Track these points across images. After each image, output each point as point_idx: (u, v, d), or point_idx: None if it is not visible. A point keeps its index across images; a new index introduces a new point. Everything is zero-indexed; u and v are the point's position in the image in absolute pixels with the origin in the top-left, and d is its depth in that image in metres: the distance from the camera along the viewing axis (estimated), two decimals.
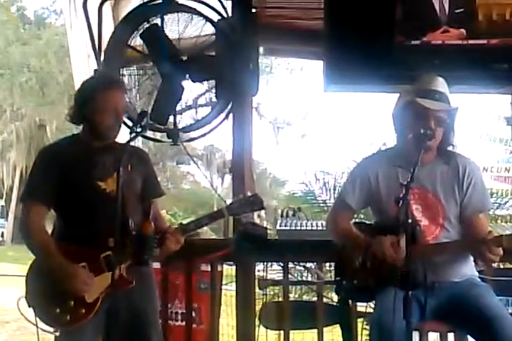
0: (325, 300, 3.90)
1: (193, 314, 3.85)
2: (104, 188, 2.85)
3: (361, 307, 3.58)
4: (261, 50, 4.44)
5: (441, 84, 2.97)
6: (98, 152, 2.91)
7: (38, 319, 2.81)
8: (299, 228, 4.12)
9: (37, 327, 2.82)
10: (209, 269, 3.85)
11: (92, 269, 2.79)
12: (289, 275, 3.93)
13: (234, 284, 3.92)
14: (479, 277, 3.05)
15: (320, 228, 4.04)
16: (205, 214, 3.03)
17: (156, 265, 3.35)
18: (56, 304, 2.76)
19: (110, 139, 2.95)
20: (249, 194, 3.06)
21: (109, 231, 2.63)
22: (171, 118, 3.93)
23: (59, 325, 2.81)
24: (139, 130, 2.76)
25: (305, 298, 5.71)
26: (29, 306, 2.82)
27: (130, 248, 2.78)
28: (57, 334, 2.84)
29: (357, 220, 3.37)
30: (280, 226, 4.16)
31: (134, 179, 2.94)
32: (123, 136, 2.96)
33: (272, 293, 4.32)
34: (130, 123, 2.93)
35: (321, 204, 6.95)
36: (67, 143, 3.03)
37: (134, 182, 2.95)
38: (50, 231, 2.92)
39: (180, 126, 3.99)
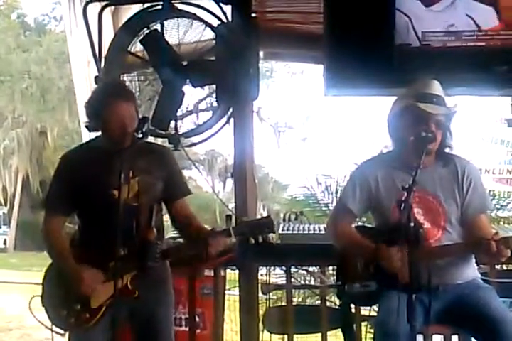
0: (328, 303, 3.90)
1: (197, 319, 3.85)
2: (117, 196, 2.79)
3: (365, 310, 3.57)
4: (261, 54, 4.44)
5: (437, 88, 2.98)
6: (116, 158, 2.81)
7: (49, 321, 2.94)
8: (301, 232, 4.11)
9: (51, 330, 2.94)
10: (212, 274, 3.85)
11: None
12: (292, 280, 3.92)
13: (237, 289, 3.92)
14: (482, 279, 3.05)
15: (322, 232, 4.02)
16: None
17: None
18: (64, 306, 2.88)
19: (124, 145, 2.85)
20: (261, 215, 2.99)
21: (119, 239, 2.66)
22: (172, 124, 3.94)
23: (64, 326, 2.92)
24: (140, 136, 2.76)
25: (308, 301, 5.70)
26: (42, 306, 2.95)
27: (135, 256, 2.83)
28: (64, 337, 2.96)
29: (358, 224, 3.36)
30: (282, 230, 4.14)
31: (151, 184, 2.92)
32: None
33: (275, 297, 4.31)
34: None
35: (323, 208, 6.96)
36: (87, 148, 3.05)
37: (151, 187, 2.92)
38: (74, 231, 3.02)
39: (181, 132, 3.98)
